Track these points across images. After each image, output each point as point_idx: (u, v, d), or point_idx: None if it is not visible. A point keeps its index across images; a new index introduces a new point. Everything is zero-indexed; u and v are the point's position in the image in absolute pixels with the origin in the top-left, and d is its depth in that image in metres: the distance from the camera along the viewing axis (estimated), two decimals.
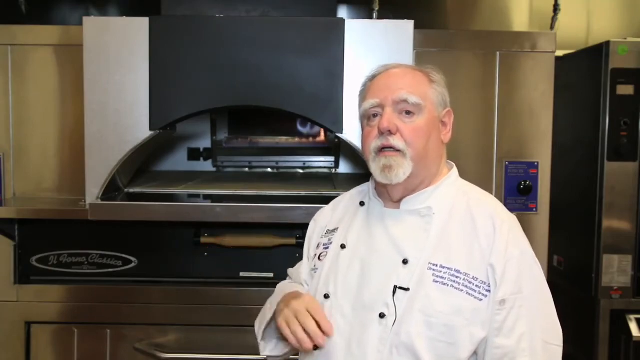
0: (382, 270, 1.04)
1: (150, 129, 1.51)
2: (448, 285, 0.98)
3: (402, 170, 1.02)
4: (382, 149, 1.03)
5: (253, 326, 1.61)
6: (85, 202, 1.50)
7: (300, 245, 1.63)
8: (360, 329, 1.02)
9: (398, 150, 1.03)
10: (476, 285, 0.97)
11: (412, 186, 1.06)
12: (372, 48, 1.50)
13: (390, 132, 1.02)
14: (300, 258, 1.63)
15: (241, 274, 1.66)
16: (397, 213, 1.07)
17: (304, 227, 1.61)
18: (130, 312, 1.61)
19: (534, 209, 1.64)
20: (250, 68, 1.50)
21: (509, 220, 1.04)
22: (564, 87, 1.82)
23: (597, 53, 1.82)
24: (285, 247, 1.64)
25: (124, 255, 1.65)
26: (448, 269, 0.99)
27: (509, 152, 1.64)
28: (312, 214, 1.46)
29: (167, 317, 1.61)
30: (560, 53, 1.85)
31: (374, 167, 1.05)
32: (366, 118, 1.07)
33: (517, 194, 1.63)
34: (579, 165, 1.94)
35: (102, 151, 1.50)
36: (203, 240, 1.64)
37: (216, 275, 1.66)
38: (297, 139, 1.98)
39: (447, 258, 1.00)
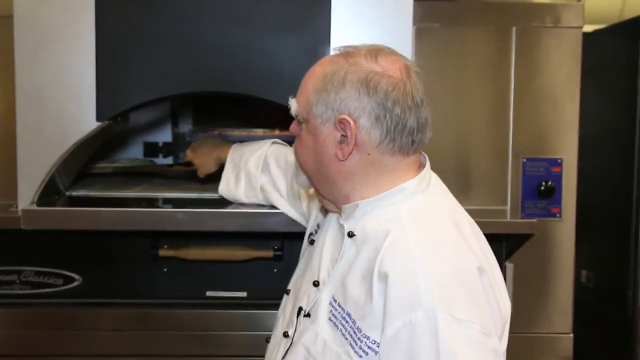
0: (307, 282, 1.11)
1: (98, 120, 1.51)
2: (339, 327, 1.01)
3: (299, 178, 1.15)
4: None
5: (223, 356, 1.63)
6: (17, 207, 1.50)
7: (279, 259, 1.65)
8: (280, 340, 1.13)
9: None
10: (358, 338, 0.97)
11: (335, 201, 1.09)
12: (364, 24, 1.51)
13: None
14: (279, 273, 1.65)
15: (208, 293, 1.67)
16: (335, 221, 1.11)
17: (282, 236, 1.64)
18: (73, 340, 1.61)
19: (558, 215, 1.67)
20: (219, 47, 1.50)
21: (414, 275, 0.94)
22: (592, 69, 1.84)
23: (633, 28, 1.85)
24: (260, 260, 1.65)
25: (65, 272, 1.65)
26: (342, 309, 1.01)
27: (527, 146, 1.66)
28: (293, 221, 1.48)
29: (119, 346, 1.62)
30: (589, 28, 1.88)
31: None
32: None
33: (536, 197, 1.65)
34: (611, 161, 1.97)
35: (38, 146, 1.50)
36: (162, 253, 1.64)
37: (178, 295, 1.67)
38: (274, 131, 1.99)
39: (344, 297, 1.02)
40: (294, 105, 1.06)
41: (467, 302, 0.94)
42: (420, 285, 0.93)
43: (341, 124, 1.00)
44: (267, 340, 1.22)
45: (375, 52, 1.02)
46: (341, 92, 0.99)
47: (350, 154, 1.01)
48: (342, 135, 1.01)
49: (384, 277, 0.95)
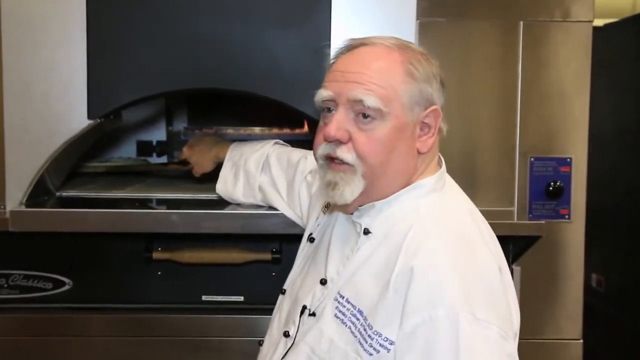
0: (312, 280, 1.12)
1: (89, 118, 1.51)
2: (347, 325, 1.01)
3: (350, 189, 1.03)
4: (329, 158, 1.04)
5: None
6: (5, 209, 1.50)
7: (277, 262, 1.65)
8: (277, 340, 1.12)
9: (347, 164, 1.02)
10: (369, 336, 0.98)
11: (365, 203, 1.07)
12: (365, 18, 1.51)
13: (339, 142, 1.02)
14: (278, 277, 1.65)
15: (203, 297, 1.66)
16: (345, 219, 1.12)
17: (281, 238, 1.63)
18: (63, 347, 1.60)
19: (566, 216, 1.66)
20: (215, 42, 1.50)
21: (443, 271, 0.96)
22: (603, 65, 1.84)
23: None
24: (258, 263, 1.65)
25: (55, 276, 1.64)
26: (353, 306, 1.02)
27: (535, 145, 1.65)
28: (292, 223, 1.48)
29: (111, 352, 1.61)
30: (599, 22, 1.88)
31: (319, 179, 1.08)
32: (321, 109, 1.07)
33: (544, 198, 1.65)
34: (622, 161, 1.97)
35: (26, 145, 1.49)
36: (156, 255, 1.64)
37: (172, 300, 1.66)
38: (273, 130, 1.99)
39: (355, 294, 1.02)
40: (372, 99, 1.00)
41: (487, 302, 0.96)
42: (443, 283, 0.95)
43: (428, 116, 1.04)
44: (260, 343, 1.22)
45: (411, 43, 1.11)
46: (433, 84, 1.04)
47: (432, 145, 1.06)
48: (420, 128, 1.05)
49: (407, 273, 0.96)
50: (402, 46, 1.06)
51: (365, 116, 1.01)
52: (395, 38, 1.08)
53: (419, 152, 1.06)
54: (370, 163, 1.02)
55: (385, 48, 1.05)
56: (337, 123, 1.02)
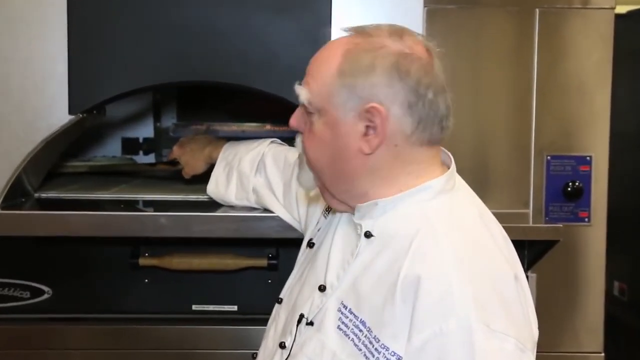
0: (310, 287, 1.10)
1: (70, 113, 1.51)
2: (350, 337, 1.00)
3: (303, 177, 1.12)
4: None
5: None
6: None
7: (274, 268, 1.65)
8: (273, 352, 1.12)
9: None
10: (375, 349, 0.96)
11: (348, 201, 1.07)
12: (368, 5, 1.51)
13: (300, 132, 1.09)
14: (274, 284, 1.65)
15: (194, 307, 1.66)
16: (347, 220, 1.11)
17: (278, 243, 1.63)
18: None
19: (586, 219, 1.66)
20: (206, 32, 1.50)
21: (451, 284, 0.94)
22: (626, 55, 1.84)
23: None
24: (253, 270, 1.64)
25: (33, 284, 1.64)
26: (355, 316, 1.01)
27: (552, 143, 1.65)
28: (290, 226, 1.47)
29: None
30: (622, 9, 1.87)
31: None
32: None
33: (562, 199, 1.65)
34: None
35: (2, 142, 1.49)
36: (142, 262, 1.63)
37: (160, 309, 1.66)
38: (268, 126, 1.99)
39: (357, 303, 1.01)
40: (303, 92, 1.02)
41: (502, 312, 0.94)
42: (454, 291, 0.93)
43: (369, 113, 0.99)
44: (254, 356, 1.21)
45: (400, 31, 1.02)
46: (371, 77, 0.98)
47: (378, 146, 1.00)
48: (367, 126, 1.00)
49: (414, 281, 0.94)
50: (368, 33, 1.02)
51: (307, 111, 1.05)
52: (391, 25, 1.04)
53: (362, 152, 1.02)
54: (308, 157, 1.07)
55: (350, 37, 1.03)
56: (297, 113, 1.07)
